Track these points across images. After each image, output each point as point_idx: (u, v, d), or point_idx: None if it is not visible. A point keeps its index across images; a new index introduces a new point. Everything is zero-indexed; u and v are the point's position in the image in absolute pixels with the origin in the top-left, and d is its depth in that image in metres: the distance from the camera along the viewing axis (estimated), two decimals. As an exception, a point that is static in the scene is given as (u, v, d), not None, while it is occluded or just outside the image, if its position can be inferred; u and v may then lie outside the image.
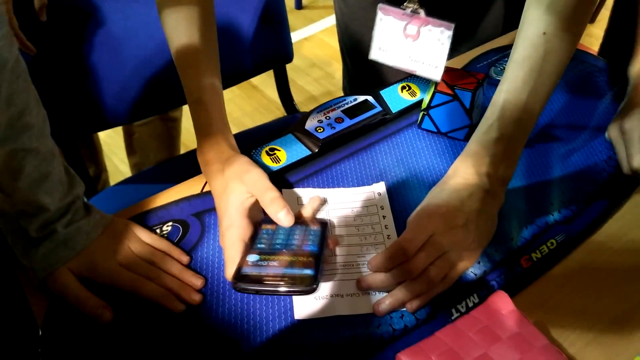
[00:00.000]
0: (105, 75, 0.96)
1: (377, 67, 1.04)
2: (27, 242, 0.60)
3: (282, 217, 0.62)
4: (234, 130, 0.76)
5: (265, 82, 2.21)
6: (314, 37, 2.49)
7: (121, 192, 1.07)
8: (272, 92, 2.24)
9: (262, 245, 0.61)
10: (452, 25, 0.61)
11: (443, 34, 0.60)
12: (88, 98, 0.97)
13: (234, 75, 1.12)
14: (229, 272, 0.59)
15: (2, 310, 0.61)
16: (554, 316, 0.60)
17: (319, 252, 0.60)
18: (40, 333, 0.59)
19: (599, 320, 0.60)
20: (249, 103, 2.17)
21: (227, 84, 1.12)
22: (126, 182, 1.14)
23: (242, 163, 0.66)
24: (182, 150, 1.55)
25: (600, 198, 0.73)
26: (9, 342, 0.60)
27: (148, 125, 1.43)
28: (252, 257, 0.59)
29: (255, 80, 2.24)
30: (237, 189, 0.63)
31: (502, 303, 0.51)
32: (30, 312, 0.61)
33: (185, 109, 0.73)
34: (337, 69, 2.27)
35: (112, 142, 1.96)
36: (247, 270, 0.58)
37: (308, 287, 0.56)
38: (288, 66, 1.24)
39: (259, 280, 0.56)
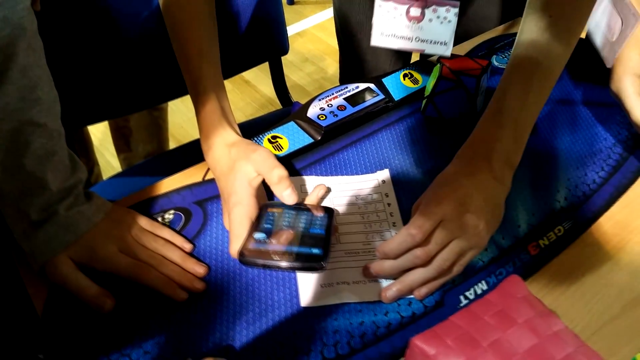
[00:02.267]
0: (95, 67, 0.94)
1: (375, 56, 1.04)
2: (28, 225, 0.58)
3: (287, 195, 0.62)
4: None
5: (258, 77, 2.19)
6: (307, 32, 2.48)
7: (114, 186, 1.05)
8: (265, 88, 2.24)
9: (268, 226, 0.60)
10: (458, 3, 0.59)
11: (449, 12, 0.59)
12: (77, 91, 0.94)
13: (228, 66, 1.10)
14: (234, 248, 0.58)
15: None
16: (561, 304, 0.60)
17: (326, 235, 0.59)
18: (40, 323, 0.58)
19: (609, 306, 0.60)
20: (242, 98, 2.15)
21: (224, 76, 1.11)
22: (119, 175, 1.12)
23: (249, 144, 0.65)
24: (172, 144, 1.53)
25: (607, 184, 0.72)
26: (8, 332, 0.58)
27: (134, 116, 1.41)
28: (259, 235, 0.58)
29: (247, 75, 2.22)
30: (244, 168, 0.63)
31: (517, 287, 0.50)
32: (30, 301, 0.60)
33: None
34: (329, 64, 2.26)
35: (103, 137, 1.93)
36: (255, 245, 0.57)
37: (316, 264, 0.55)
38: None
39: (267, 254, 0.55)
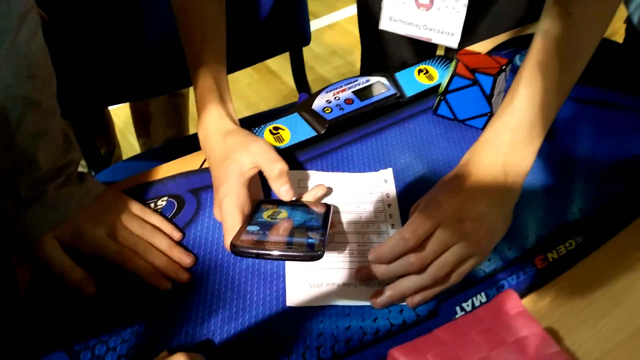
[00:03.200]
0: (117, 49, 0.93)
1: (397, 49, 1.00)
2: (16, 202, 0.58)
3: (284, 191, 0.60)
4: (248, 113, 0.73)
5: (284, 68, 2.17)
6: (337, 24, 2.44)
7: (128, 169, 1.04)
8: (290, 79, 2.21)
9: (263, 220, 0.58)
10: (468, -7, 0.56)
11: (458, 3, 0.55)
12: (97, 71, 0.94)
13: (249, 54, 1.08)
14: (228, 240, 0.56)
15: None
16: (568, 322, 0.56)
17: (323, 226, 0.57)
18: (22, 301, 0.57)
19: (618, 330, 0.55)
20: (267, 89, 2.14)
21: (242, 64, 1.09)
22: (134, 159, 1.12)
23: (246, 134, 0.63)
24: (192, 130, 1.52)
25: (625, 199, 0.67)
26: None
27: (155, 101, 1.41)
28: (253, 228, 0.56)
29: (274, 66, 2.20)
30: (240, 158, 0.60)
31: (511, 303, 0.46)
32: (15, 278, 0.59)
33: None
34: (358, 57, 2.22)
35: (127, 120, 1.94)
36: (248, 236, 0.54)
37: (313, 252, 0.52)
38: (308, 53, 1.20)
39: (260, 244, 0.53)
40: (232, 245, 0.53)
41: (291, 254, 0.52)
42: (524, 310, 0.46)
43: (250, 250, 0.52)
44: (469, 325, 0.44)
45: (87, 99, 0.97)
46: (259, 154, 0.61)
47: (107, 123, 1.47)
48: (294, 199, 0.61)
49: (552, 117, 0.64)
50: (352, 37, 2.36)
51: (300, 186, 0.68)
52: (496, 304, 0.46)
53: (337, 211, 0.65)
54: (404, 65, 0.81)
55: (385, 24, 0.60)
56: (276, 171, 0.60)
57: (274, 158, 0.60)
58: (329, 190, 0.67)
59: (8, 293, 0.58)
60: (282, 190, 0.60)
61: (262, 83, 2.16)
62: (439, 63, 0.82)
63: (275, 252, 0.52)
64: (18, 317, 0.56)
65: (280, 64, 2.18)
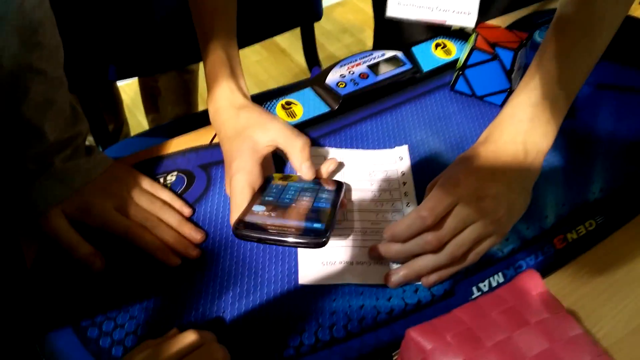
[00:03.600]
0: (125, 22, 0.91)
1: (410, 26, 0.97)
2: (23, 175, 0.57)
3: (306, 168, 0.59)
4: (256, 91, 0.72)
5: (293, 45, 2.14)
6: (348, 1, 2.39)
7: (136, 145, 1.03)
8: (300, 57, 2.18)
9: (270, 199, 0.56)
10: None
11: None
12: (105, 45, 0.92)
13: (259, 29, 1.06)
14: (235, 218, 0.54)
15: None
16: (586, 304, 0.55)
17: (331, 209, 0.55)
18: (28, 275, 0.56)
19: (635, 315, 0.54)
20: (276, 67, 2.11)
21: (251, 40, 1.07)
22: (142, 135, 1.10)
23: (262, 111, 0.62)
24: (201, 107, 1.50)
25: (648, 179, 0.65)
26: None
27: (164, 77, 1.39)
28: (258, 208, 0.54)
29: (283, 43, 2.17)
30: (255, 135, 0.59)
31: (533, 283, 0.44)
32: (20, 251, 0.58)
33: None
34: (369, 35, 2.19)
35: (136, 97, 1.92)
36: (252, 218, 0.52)
37: (316, 239, 0.50)
38: (318, 30, 1.17)
39: (263, 228, 0.51)
40: (235, 228, 0.51)
41: (294, 240, 0.50)
42: (546, 290, 0.45)
43: (252, 235, 0.51)
44: (490, 306, 0.43)
45: (94, 73, 0.96)
46: (277, 131, 0.59)
47: (115, 99, 1.45)
48: (312, 178, 0.59)
49: (574, 94, 0.62)
50: (364, 14, 2.31)
51: (313, 163, 0.66)
52: (517, 284, 0.45)
53: (349, 189, 0.63)
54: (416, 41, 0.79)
55: (393, 10, 0.57)
56: (298, 146, 0.58)
57: (295, 133, 0.59)
58: (341, 165, 0.65)
59: (14, 268, 0.58)
60: (304, 166, 0.59)
61: (271, 60, 2.13)
62: (456, 37, 0.80)
63: (278, 238, 0.50)
64: (24, 292, 0.55)
65: (289, 41, 2.15)
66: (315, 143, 0.69)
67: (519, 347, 0.40)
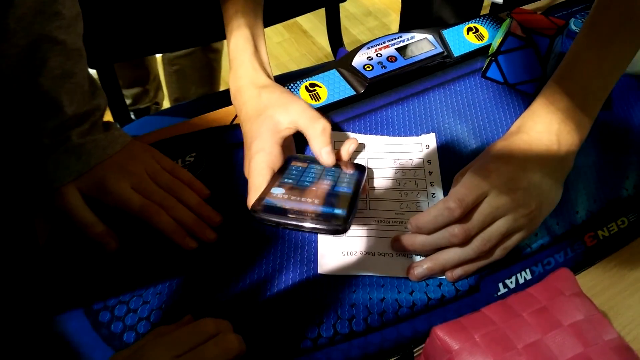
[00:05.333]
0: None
1: (439, 8, 0.94)
2: (39, 149, 0.55)
3: (325, 153, 0.55)
4: (277, 73, 0.69)
5: (316, 27, 2.11)
6: (373, -17, 2.36)
7: (153, 123, 1.01)
8: (323, 39, 2.15)
9: (290, 181, 0.54)
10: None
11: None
12: (127, 20, 0.90)
13: (282, 9, 1.03)
14: (252, 200, 0.52)
15: (3, 227, 0.57)
16: (617, 305, 0.52)
17: (352, 194, 0.52)
18: (41, 253, 0.55)
19: (672, 316, 0.51)
20: (298, 49, 2.08)
21: (274, 19, 1.04)
22: (161, 113, 1.09)
23: (284, 91, 0.59)
24: (222, 87, 1.49)
25: (688, 176, 0.62)
26: (8, 260, 0.55)
27: (189, 57, 1.38)
28: (278, 190, 0.52)
29: (306, 25, 2.14)
30: (276, 115, 0.57)
31: (566, 283, 0.42)
32: (34, 233, 0.57)
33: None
34: (394, 19, 2.15)
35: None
36: (270, 201, 0.50)
37: (337, 225, 0.48)
38: (342, 12, 1.14)
39: (282, 212, 0.49)
40: (253, 211, 0.49)
41: (314, 226, 0.48)
42: (580, 291, 0.42)
43: (270, 218, 0.49)
44: (521, 305, 0.40)
45: (114, 47, 0.94)
46: (299, 113, 0.57)
47: (148, 70, 1.45)
48: (332, 164, 0.56)
49: (611, 85, 0.59)
50: (389, -3, 2.27)
51: (335, 148, 0.64)
52: (550, 284, 0.42)
53: (372, 176, 0.61)
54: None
55: None
56: (319, 129, 0.56)
57: (316, 116, 0.56)
58: (362, 146, 0.63)
59: (26, 246, 0.56)
60: (324, 151, 0.56)
61: (293, 42, 2.10)
62: (489, 22, 0.77)
63: (297, 223, 0.48)
64: (36, 272, 0.54)
65: (312, 23, 2.12)
66: (338, 128, 0.66)
67: (551, 350, 0.38)
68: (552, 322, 0.39)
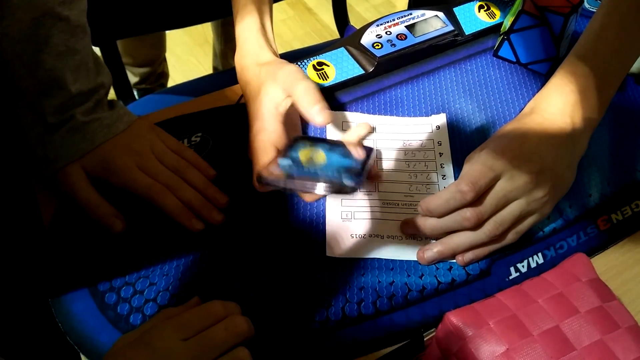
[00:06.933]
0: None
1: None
2: (42, 128, 0.54)
3: (316, 111, 0.52)
4: (281, 51, 0.67)
5: (321, 4, 2.08)
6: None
7: (158, 102, 0.99)
8: (327, 17, 2.11)
9: (296, 155, 0.52)
10: None
11: None
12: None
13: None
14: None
15: (7, 208, 0.56)
16: (630, 290, 0.52)
17: (360, 167, 0.51)
18: (46, 234, 0.54)
19: (686, 302, 0.51)
20: (302, 27, 2.05)
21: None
22: (166, 92, 1.06)
23: (280, 63, 0.57)
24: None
25: None
26: (13, 241, 0.55)
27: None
28: (284, 161, 0.50)
29: (310, 2, 2.11)
30: (271, 90, 0.55)
31: (582, 268, 0.41)
32: (38, 210, 0.56)
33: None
34: (399, -3, 2.11)
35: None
36: (277, 169, 0.49)
37: (347, 186, 0.46)
38: (347, -11, 1.12)
39: (290, 178, 0.48)
40: (259, 175, 0.48)
41: (323, 184, 0.46)
42: (596, 277, 0.41)
43: (278, 183, 0.47)
44: (536, 291, 0.40)
45: (118, 24, 0.92)
46: (283, 78, 0.55)
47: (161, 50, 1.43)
48: (328, 122, 0.53)
49: (629, 66, 0.58)
50: (394, -26, 2.23)
51: (343, 128, 0.62)
52: (566, 269, 0.41)
53: (380, 157, 0.60)
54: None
55: None
56: (300, 90, 0.53)
57: (298, 78, 0.54)
58: (373, 130, 0.62)
59: (30, 227, 0.56)
60: (312, 111, 0.52)
61: (297, 20, 2.07)
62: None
63: (305, 183, 0.46)
64: (41, 252, 0.53)
65: (317, 0, 2.09)
66: (347, 107, 0.65)
67: (568, 337, 0.37)
68: (568, 309, 0.38)
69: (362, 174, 0.48)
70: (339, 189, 0.47)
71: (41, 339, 0.51)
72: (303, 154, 0.52)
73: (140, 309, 0.49)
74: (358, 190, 0.47)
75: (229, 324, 0.44)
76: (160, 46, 1.46)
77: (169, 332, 0.42)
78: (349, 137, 0.59)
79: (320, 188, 0.47)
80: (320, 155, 0.52)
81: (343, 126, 0.63)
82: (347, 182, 0.46)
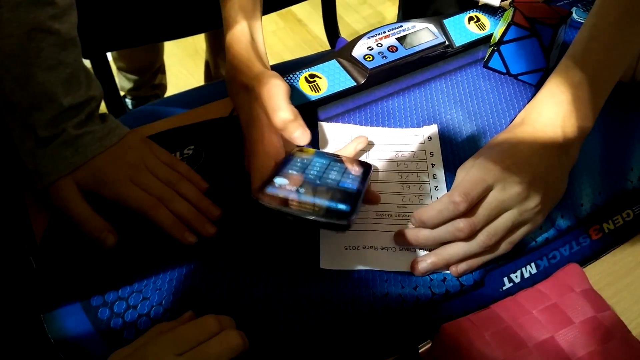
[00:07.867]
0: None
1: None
2: (34, 142, 0.54)
3: (298, 135, 0.52)
4: (272, 62, 0.67)
5: (311, 16, 2.09)
6: (368, -29, 2.33)
7: (150, 114, 0.99)
8: (318, 28, 2.13)
9: (294, 173, 0.52)
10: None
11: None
12: (122, 9, 0.88)
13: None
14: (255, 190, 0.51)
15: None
16: (623, 300, 0.52)
17: (357, 192, 0.51)
18: (38, 250, 0.53)
19: (679, 310, 0.51)
20: (292, 38, 2.06)
21: (267, 8, 1.02)
22: (158, 104, 1.06)
23: (269, 75, 0.56)
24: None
25: (693, 168, 0.62)
26: (4, 255, 0.54)
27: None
28: (280, 180, 0.50)
29: (300, 13, 2.12)
30: (262, 116, 0.55)
31: (576, 279, 0.41)
32: (29, 225, 0.55)
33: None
34: (388, 7, 2.13)
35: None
36: (273, 190, 0.49)
37: (340, 220, 0.46)
38: (337, 1, 1.12)
39: (285, 202, 0.47)
40: (255, 196, 0.47)
41: (316, 219, 0.46)
42: (590, 287, 0.42)
43: (273, 206, 0.47)
44: (530, 302, 0.40)
45: (108, 37, 0.92)
46: (265, 99, 0.53)
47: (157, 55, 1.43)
48: (308, 141, 0.53)
49: (618, 75, 0.58)
50: (384, -15, 2.25)
51: (336, 140, 0.63)
52: (559, 280, 0.42)
53: (376, 170, 0.60)
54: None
55: None
56: (279, 122, 0.52)
57: (277, 106, 0.53)
58: (371, 144, 0.62)
59: (22, 242, 0.55)
60: (295, 136, 0.52)
61: (288, 31, 2.08)
62: (491, 11, 0.75)
63: (299, 215, 0.46)
64: (33, 268, 0.52)
65: (307, 11, 2.10)
66: (339, 119, 0.65)
67: (563, 348, 0.37)
68: (563, 320, 0.39)
69: (356, 210, 0.48)
70: (332, 227, 0.47)
71: (33, 355, 0.50)
72: (298, 173, 0.52)
73: (134, 324, 0.48)
74: (350, 227, 0.47)
75: (224, 339, 0.43)
76: (155, 51, 1.44)
77: (163, 347, 0.42)
78: (346, 151, 0.59)
79: (313, 220, 0.46)
80: (316, 182, 0.52)
81: (338, 138, 0.63)
82: (341, 222, 0.46)
